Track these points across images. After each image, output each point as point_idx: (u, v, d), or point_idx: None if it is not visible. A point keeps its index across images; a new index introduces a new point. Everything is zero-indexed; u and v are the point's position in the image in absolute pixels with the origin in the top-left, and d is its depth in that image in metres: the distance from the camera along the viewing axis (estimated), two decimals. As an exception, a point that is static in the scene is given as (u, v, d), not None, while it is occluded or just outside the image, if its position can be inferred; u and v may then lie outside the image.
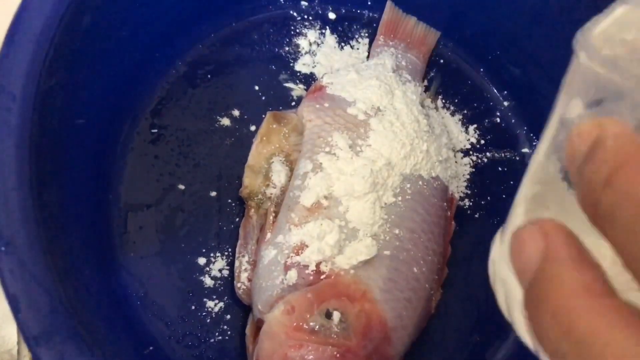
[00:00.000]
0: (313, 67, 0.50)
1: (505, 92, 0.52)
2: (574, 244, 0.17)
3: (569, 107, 0.20)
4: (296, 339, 0.36)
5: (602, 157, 0.17)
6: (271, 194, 0.43)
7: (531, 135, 0.51)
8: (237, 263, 0.42)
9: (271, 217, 0.42)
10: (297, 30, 0.51)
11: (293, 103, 0.49)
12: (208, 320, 0.42)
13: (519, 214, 0.21)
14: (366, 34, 0.52)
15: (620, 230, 0.16)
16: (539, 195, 0.21)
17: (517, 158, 0.50)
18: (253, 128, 0.47)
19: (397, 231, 0.41)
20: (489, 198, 0.48)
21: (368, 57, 0.51)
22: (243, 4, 0.50)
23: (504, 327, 0.45)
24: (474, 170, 0.49)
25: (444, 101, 0.51)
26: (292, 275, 0.38)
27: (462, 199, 0.48)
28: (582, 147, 0.18)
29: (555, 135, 0.21)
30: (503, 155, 0.50)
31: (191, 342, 0.41)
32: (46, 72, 0.35)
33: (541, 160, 0.21)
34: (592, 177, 0.17)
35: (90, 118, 0.41)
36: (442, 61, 0.53)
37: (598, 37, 0.20)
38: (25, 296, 0.30)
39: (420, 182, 0.43)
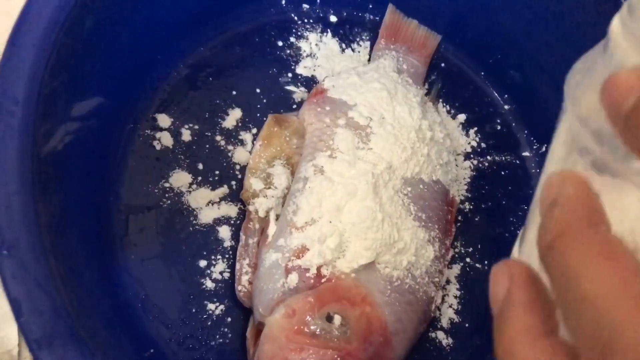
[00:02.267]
0: (314, 70, 0.50)
1: (506, 95, 0.52)
2: (530, 288, 0.20)
3: (556, 152, 0.23)
4: (297, 342, 0.36)
5: (548, 223, 0.19)
6: (272, 196, 0.43)
7: (532, 138, 0.51)
8: (238, 266, 0.42)
9: (272, 220, 0.42)
10: (299, 33, 0.51)
11: (294, 106, 0.49)
12: (209, 323, 0.42)
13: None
14: (367, 37, 0.52)
15: (554, 288, 0.19)
16: None
17: (518, 162, 0.50)
18: (254, 131, 0.47)
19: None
20: (489, 202, 0.49)
21: (369, 60, 0.51)
22: (245, 7, 0.50)
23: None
24: (474, 173, 0.49)
25: (444, 104, 0.51)
26: (293, 278, 0.38)
27: (462, 202, 0.48)
28: (546, 202, 0.20)
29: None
30: (503, 158, 0.50)
31: (192, 344, 0.41)
32: (48, 75, 0.35)
33: None
34: (541, 238, 0.20)
35: (92, 120, 0.41)
36: (443, 65, 0.53)
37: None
38: (27, 299, 0.30)
39: (421, 186, 0.43)
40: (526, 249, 0.25)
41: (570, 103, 0.22)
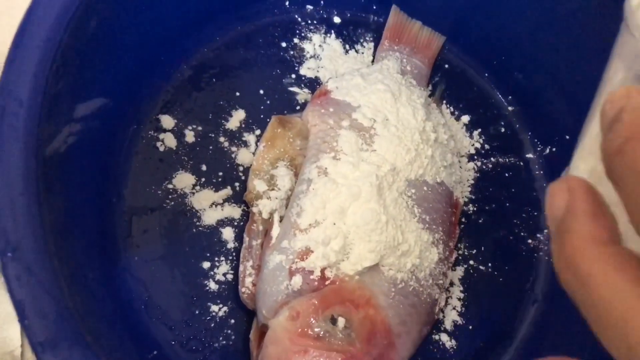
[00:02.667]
0: (318, 71, 0.50)
1: (510, 97, 0.52)
2: (591, 199, 0.20)
3: (613, 74, 0.22)
4: (301, 344, 0.36)
5: (617, 127, 0.19)
6: (276, 198, 0.43)
7: (535, 140, 0.51)
8: (241, 267, 0.42)
9: (276, 222, 0.42)
10: (302, 34, 0.51)
11: (298, 107, 0.49)
12: (212, 325, 0.42)
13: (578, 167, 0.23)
14: (371, 38, 0.52)
15: (624, 194, 0.19)
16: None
17: (521, 163, 0.50)
18: (258, 132, 0.47)
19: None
20: (493, 204, 0.48)
21: (373, 61, 0.51)
22: (248, 8, 0.50)
23: (508, 333, 0.45)
24: (478, 175, 0.49)
25: (448, 106, 0.51)
26: (297, 280, 0.38)
27: (466, 204, 0.48)
28: (610, 115, 0.20)
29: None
30: (507, 160, 0.50)
31: (195, 346, 0.41)
32: (53, 76, 0.34)
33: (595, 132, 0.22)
34: (608, 144, 0.19)
35: (96, 121, 0.41)
36: (447, 66, 0.53)
37: None
38: (31, 302, 0.30)
39: (425, 188, 0.43)
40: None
41: (632, 22, 0.21)
